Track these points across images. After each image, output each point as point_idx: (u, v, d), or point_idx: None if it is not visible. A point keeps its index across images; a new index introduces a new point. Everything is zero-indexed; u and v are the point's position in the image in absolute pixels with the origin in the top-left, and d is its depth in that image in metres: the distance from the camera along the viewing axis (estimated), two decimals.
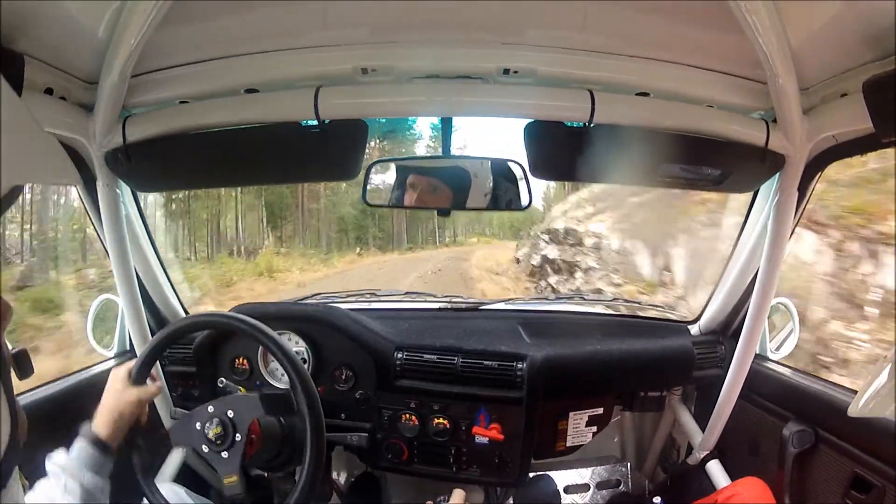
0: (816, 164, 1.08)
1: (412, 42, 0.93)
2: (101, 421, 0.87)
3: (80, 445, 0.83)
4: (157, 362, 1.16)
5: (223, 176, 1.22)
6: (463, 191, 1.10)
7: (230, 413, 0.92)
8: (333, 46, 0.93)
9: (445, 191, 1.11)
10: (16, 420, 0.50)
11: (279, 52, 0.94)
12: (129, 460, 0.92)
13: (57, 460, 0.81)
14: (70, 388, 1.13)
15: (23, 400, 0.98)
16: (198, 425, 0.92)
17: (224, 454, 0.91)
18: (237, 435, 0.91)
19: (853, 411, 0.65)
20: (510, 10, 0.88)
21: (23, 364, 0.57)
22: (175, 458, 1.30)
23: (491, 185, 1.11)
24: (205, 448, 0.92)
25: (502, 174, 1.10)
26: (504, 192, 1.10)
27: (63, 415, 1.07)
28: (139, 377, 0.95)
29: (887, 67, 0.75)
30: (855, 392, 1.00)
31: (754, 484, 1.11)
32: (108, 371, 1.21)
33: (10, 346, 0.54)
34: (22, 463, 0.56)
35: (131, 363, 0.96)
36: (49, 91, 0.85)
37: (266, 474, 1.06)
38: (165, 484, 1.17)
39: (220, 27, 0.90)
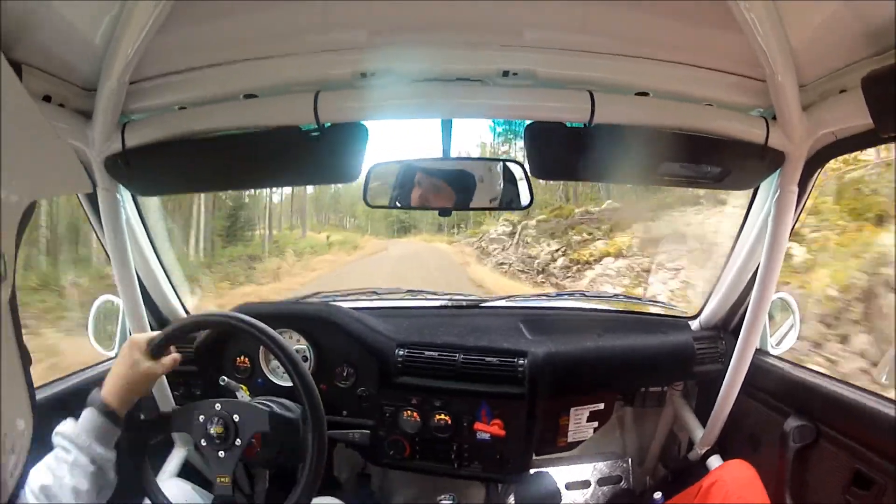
0: (816, 161, 1.08)
1: (411, 45, 0.93)
2: (112, 389, 0.84)
3: (89, 415, 0.81)
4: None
5: (223, 180, 1.22)
6: (465, 191, 1.11)
7: (236, 417, 0.92)
8: (332, 51, 0.93)
9: (448, 191, 1.11)
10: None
11: (278, 57, 0.94)
12: (128, 441, 0.90)
13: (64, 431, 0.79)
14: (70, 389, 1.13)
15: None
16: (201, 418, 0.92)
17: (221, 454, 0.92)
18: (237, 440, 0.92)
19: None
20: (509, 12, 0.88)
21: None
22: (178, 455, 1.32)
23: (492, 185, 1.11)
24: (203, 442, 0.93)
25: (504, 174, 1.10)
26: (505, 192, 1.11)
27: (64, 414, 1.09)
28: (158, 350, 0.91)
29: (886, 62, 0.75)
30: (857, 387, 1.01)
31: (738, 467, 1.12)
32: (107, 371, 1.23)
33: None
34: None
35: (152, 334, 0.93)
36: (47, 98, 0.86)
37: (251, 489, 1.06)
38: (171, 480, 1.18)
39: (219, 33, 0.89)
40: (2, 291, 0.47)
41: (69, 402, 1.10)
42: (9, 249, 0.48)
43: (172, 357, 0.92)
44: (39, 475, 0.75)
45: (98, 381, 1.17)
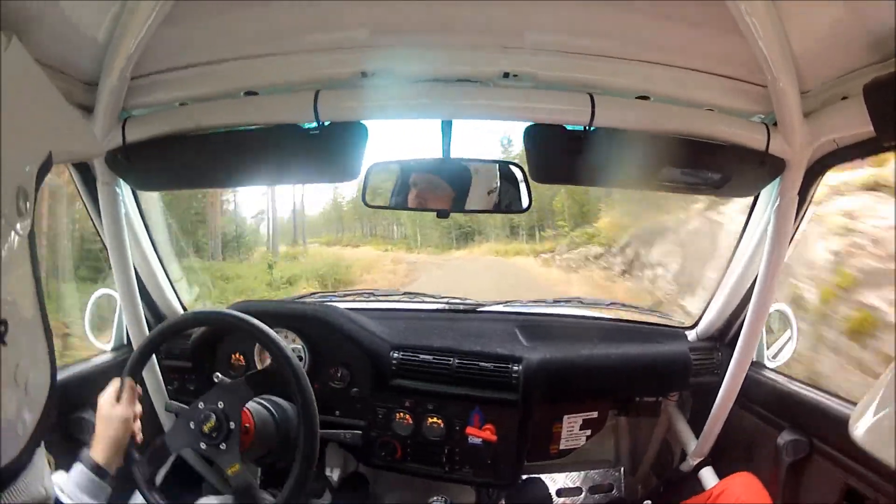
0: (817, 169, 1.07)
1: (412, 45, 0.93)
2: (97, 447, 0.88)
3: (78, 469, 0.85)
4: (154, 356, 1.18)
5: (222, 177, 1.23)
6: (464, 193, 1.10)
7: (220, 404, 0.94)
8: (333, 50, 0.94)
9: (448, 192, 1.11)
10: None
11: (279, 55, 0.94)
12: (130, 475, 0.94)
13: (57, 483, 0.81)
14: (64, 380, 1.14)
15: None
16: (192, 425, 0.94)
17: (222, 446, 0.93)
18: (231, 423, 0.93)
19: (856, 433, 0.61)
20: (510, 14, 0.88)
21: None
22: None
23: (492, 187, 1.11)
24: (203, 445, 0.93)
25: (503, 176, 1.10)
26: (504, 195, 1.11)
27: (58, 407, 1.09)
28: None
29: (888, 70, 0.74)
30: (851, 402, 1.00)
31: (745, 479, 1.11)
32: (104, 364, 1.23)
33: None
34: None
35: (115, 386, 0.95)
36: None
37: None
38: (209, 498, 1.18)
39: (220, 30, 0.90)
40: (21, 229, 0.49)
41: (64, 395, 1.11)
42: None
43: (130, 391, 0.95)
44: None
45: (92, 374, 1.19)
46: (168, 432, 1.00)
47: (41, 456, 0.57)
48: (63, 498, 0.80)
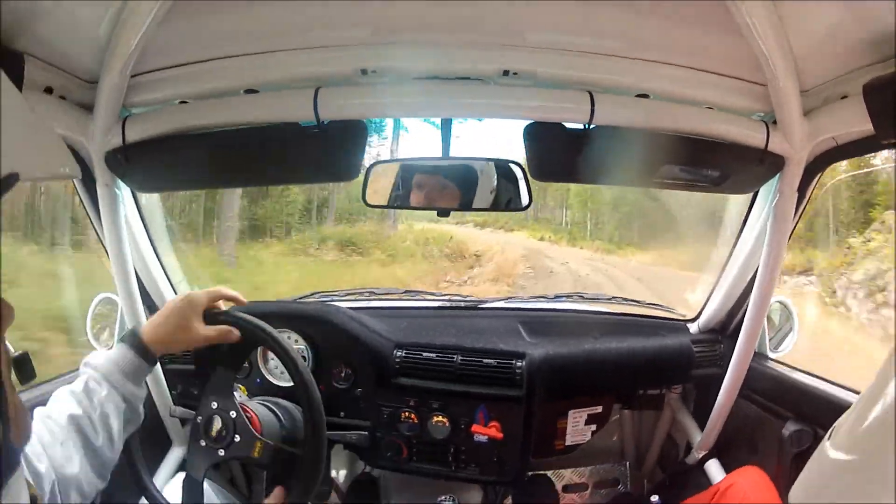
0: (816, 166, 1.09)
1: (412, 43, 0.93)
2: (153, 331, 0.81)
3: (123, 352, 0.78)
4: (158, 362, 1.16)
5: (222, 177, 1.22)
6: (465, 191, 1.11)
7: (214, 404, 0.90)
8: (333, 47, 0.93)
9: (448, 191, 1.11)
10: (7, 423, 0.48)
11: (279, 52, 0.94)
12: (128, 463, 0.89)
13: (96, 364, 0.76)
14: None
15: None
16: (203, 442, 0.89)
17: (236, 438, 0.89)
18: (232, 412, 0.89)
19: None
20: (510, 12, 0.88)
21: (24, 368, 0.56)
22: (175, 455, 1.30)
23: (492, 185, 1.11)
24: (221, 452, 0.89)
25: (503, 174, 1.10)
26: (505, 193, 1.11)
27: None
28: (212, 319, 0.87)
29: (888, 70, 0.75)
30: (855, 391, 1.01)
31: (752, 473, 1.12)
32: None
33: (12, 350, 0.53)
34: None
35: (209, 295, 0.88)
36: (49, 90, 0.85)
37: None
38: (180, 475, 1.16)
39: (221, 27, 0.89)
40: None
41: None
42: None
43: (229, 329, 0.87)
44: (65, 405, 0.72)
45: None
46: (188, 462, 0.94)
47: (19, 480, 0.54)
48: (102, 383, 0.74)
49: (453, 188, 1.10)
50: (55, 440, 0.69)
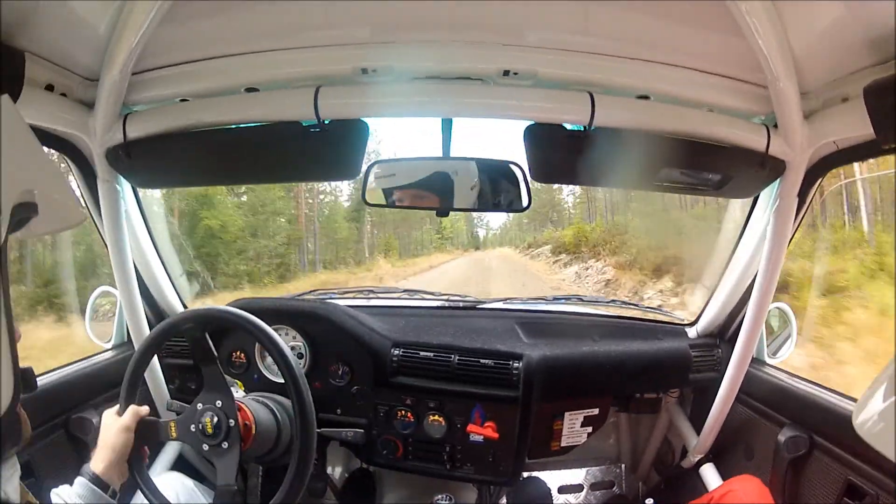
0: (817, 171, 1.08)
1: (412, 43, 0.93)
2: (97, 459, 0.88)
3: (80, 482, 0.85)
4: (155, 355, 1.18)
5: (222, 174, 1.22)
6: (465, 191, 1.10)
7: (218, 403, 0.93)
8: (334, 46, 0.94)
9: (448, 191, 1.11)
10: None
11: (280, 51, 0.94)
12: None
13: (61, 494, 0.82)
14: (65, 378, 1.13)
15: None
16: (192, 427, 0.93)
17: (224, 444, 0.93)
18: (230, 420, 0.93)
19: (858, 425, 0.61)
20: (511, 12, 0.88)
21: (28, 381, 0.58)
22: (171, 449, 1.31)
23: (492, 186, 1.11)
24: (205, 447, 0.93)
25: (503, 175, 1.10)
26: (505, 194, 1.11)
27: (59, 405, 1.09)
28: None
29: (888, 71, 0.75)
30: (851, 398, 1.01)
31: (749, 481, 1.11)
32: (104, 362, 1.24)
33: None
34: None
35: (117, 407, 0.96)
36: (50, 88, 0.86)
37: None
38: (167, 474, 1.18)
39: (222, 26, 0.90)
40: None
41: (64, 393, 1.11)
42: None
43: (133, 409, 0.94)
44: None
45: (93, 372, 1.18)
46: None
47: (9, 466, 0.57)
48: None
49: (450, 188, 1.09)
50: None
